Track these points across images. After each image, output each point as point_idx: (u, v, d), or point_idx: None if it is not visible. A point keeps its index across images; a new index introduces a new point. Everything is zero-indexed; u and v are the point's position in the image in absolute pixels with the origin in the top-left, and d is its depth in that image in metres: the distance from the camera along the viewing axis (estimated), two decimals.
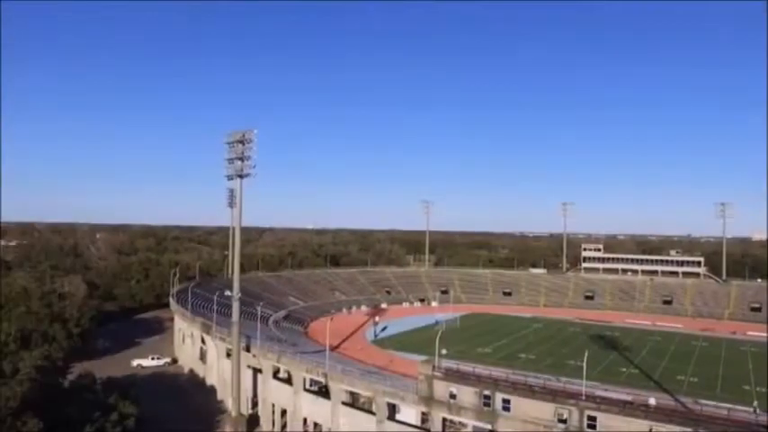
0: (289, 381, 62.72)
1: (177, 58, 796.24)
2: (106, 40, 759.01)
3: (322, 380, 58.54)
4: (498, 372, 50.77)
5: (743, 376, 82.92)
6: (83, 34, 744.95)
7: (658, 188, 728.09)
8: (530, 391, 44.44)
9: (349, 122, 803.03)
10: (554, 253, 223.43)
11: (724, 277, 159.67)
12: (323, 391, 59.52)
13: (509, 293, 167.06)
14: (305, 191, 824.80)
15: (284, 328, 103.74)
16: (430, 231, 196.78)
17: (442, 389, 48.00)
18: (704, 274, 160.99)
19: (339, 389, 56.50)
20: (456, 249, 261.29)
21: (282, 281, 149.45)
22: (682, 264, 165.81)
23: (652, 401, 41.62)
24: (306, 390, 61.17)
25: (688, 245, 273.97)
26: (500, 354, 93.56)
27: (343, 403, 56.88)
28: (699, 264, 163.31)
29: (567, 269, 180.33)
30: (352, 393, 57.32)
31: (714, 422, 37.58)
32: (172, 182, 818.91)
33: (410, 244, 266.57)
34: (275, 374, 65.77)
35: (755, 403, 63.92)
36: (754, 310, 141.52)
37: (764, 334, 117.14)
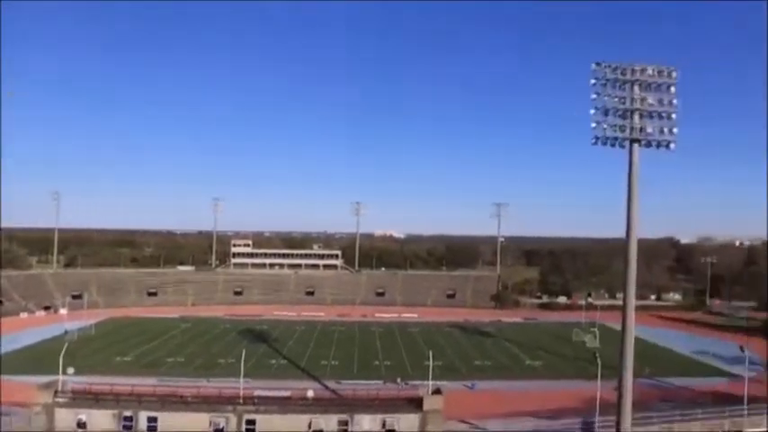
0: None
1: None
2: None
3: None
4: (143, 384, 43.42)
5: (373, 354, 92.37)
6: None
7: (299, 188, 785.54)
8: (181, 403, 38.80)
9: None
10: (203, 251, 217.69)
11: (357, 268, 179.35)
12: None
13: (154, 294, 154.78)
14: None
15: None
16: (60, 228, 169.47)
17: (67, 417, 38.40)
18: (341, 266, 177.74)
19: None
20: (93, 248, 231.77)
21: None
22: (322, 257, 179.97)
23: (310, 393, 40.77)
24: None
25: (326, 240, 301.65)
26: (144, 360, 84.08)
27: None
28: (336, 256, 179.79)
29: (217, 266, 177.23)
30: None
31: (368, 403, 38.54)
32: None
33: (34, 243, 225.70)
34: None
35: (399, 379, 71.93)
36: (379, 294, 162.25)
37: (388, 315, 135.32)
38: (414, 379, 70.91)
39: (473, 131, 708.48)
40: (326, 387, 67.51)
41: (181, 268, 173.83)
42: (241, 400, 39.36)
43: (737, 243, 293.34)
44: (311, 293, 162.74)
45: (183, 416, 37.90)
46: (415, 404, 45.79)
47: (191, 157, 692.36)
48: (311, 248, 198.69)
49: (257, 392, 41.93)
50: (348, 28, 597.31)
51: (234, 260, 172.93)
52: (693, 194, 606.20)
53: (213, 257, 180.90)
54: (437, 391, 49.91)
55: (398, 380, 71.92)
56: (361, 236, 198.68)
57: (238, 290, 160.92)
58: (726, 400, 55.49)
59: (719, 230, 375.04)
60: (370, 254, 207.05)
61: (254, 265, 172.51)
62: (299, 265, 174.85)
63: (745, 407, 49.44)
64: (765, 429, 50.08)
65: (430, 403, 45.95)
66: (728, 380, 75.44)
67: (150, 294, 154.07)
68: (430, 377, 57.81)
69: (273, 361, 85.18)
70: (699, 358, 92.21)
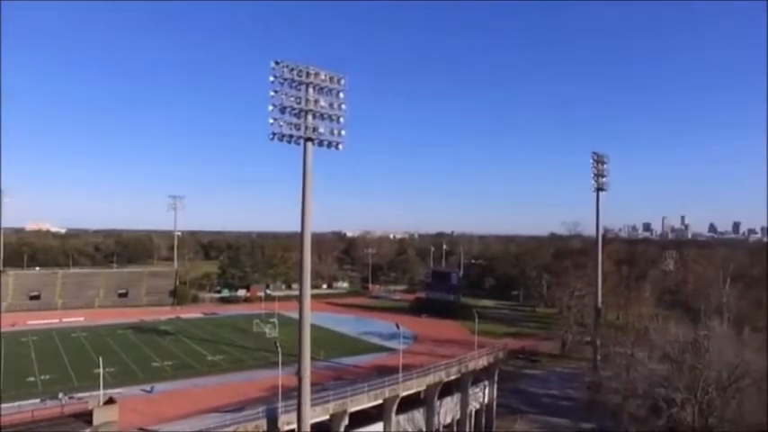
0: None
1: None
2: None
3: None
4: None
5: (27, 368, 78.90)
6: None
7: None
8: None
9: None
10: None
11: (2, 267, 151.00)
12: None
13: None
14: None
15: None
16: None
17: None
18: None
19: None
20: None
21: None
22: None
23: None
24: None
25: None
26: None
27: None
28: None
29: None
30: None
31: (21, 428, 32.57)
32: None
33: None
34: None
35: (61, 394, 62.72)
36: (33, 298, 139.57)
37: (46, 321, 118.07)
38: (81, 390, 63.52)
39: (144, 126, 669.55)
40: None
41: None
42: None
43: (391, 236, 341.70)
44: None
45: None
46: (84, 419, 40.82)
47: None
48: None
49: None
50: None
51: None
52: (359, 192, 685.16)
53: None
54: (110, 401, 45.34)
55: (60, 395, 62.89)
56: (7, 230, 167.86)
57: None
58: (386, 372, 63.67)
59: (378, 225, 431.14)
60: (20, 251, 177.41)
61: None
62: None
63: (400, 375, 57.43)
64: (422, 389, 59.51)
65: (101, 415, 41.48)
66: (388, 354, 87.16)
67: None
68: (101, 386, 52.28)
69: None
70: (364, 338, 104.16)
